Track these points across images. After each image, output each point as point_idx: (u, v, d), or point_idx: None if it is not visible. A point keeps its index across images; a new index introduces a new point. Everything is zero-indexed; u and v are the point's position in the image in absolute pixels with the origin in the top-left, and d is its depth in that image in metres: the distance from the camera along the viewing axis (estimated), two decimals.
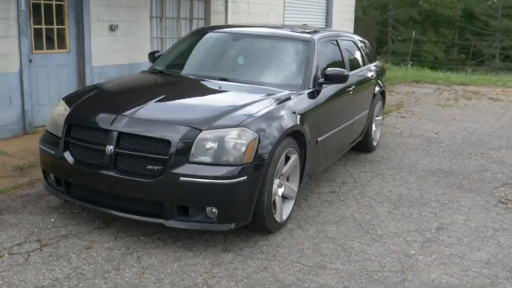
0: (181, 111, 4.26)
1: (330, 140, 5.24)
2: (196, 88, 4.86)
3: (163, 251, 3.89)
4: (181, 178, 3.71)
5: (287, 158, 4.37)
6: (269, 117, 4.12)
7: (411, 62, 20.50)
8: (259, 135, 3.90)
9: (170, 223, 3.82)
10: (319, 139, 4.93)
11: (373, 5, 44.18)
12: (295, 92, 4.75)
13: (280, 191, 4.37)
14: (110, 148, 3.87)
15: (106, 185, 3.95)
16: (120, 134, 3.89)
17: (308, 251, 4.03)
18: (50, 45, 7.36)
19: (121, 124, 3.92)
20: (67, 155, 4.11)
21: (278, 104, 4.39)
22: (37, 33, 7.12)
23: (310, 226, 4.52)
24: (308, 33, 5.55)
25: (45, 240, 3.93)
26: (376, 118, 7.21)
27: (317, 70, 5.06)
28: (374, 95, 6.74)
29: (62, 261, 3.65)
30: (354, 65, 6.26)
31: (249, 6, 11.60)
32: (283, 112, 4.30)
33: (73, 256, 3.73)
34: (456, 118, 9.94)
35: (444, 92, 13.51)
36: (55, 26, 7.36)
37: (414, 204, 5.19)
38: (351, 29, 16.52)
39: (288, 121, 4.27)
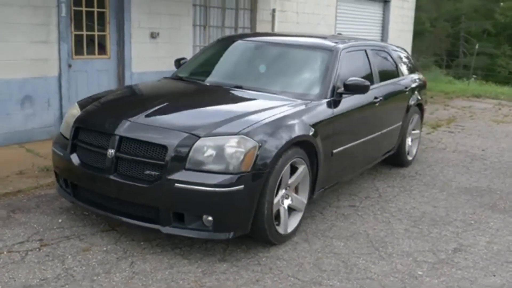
0: (185, 117, 4.24)
1: (349, 152, 5.06)
2: (208, 95, 4.84)
3: (159, 257, 3.87)
4: (177, 185, 3.68)
5: (294, 169, 4.26)
6: (273, 126, 4.03)
7: (474, 76, 19.68)
8: (259, 144, 3.81)
9: (167, 229, 3.79)
10: (334, 151, 4.77)
11: (442, 17, 42.87)
12: (309, 101, 4.63)
13: (286, 202, 4.26)
14: (111, 152, 3.91)
15: (107, 189, 3.99)
16: (121, 138, 3.92)
17: (307, 266, 3.88)
18: (91, 51, 7.59)
19: (123, 129, 3.95)
20: (74, 157, 4.18)
21: (287, 113, 4.29)
22: (78, 39, 7.36)
23: (318, 240, 4.37)
24: (334, 42, 5.40)
25: (47, 240, 4.01)
26: (413, 131, 6.93)
27: (336, 80, 4.91)
28: (409, 107, 6.47)
29: (56, 261, 3.70)
30: (384, 76, 6.05)
31: (298, 16, 11.52)
32: (290, 122, 4.19)
33: (69, 257, 3.77)
34: (509, 135, 9.41)
35: (503, 108, 12.86)
36: (96, 33, 7.59)
37: (437, 222, 4.92)
38: (409, 41, 16.08)
39: (294, 130, 4.15)
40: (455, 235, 4.64)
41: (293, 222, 4.35)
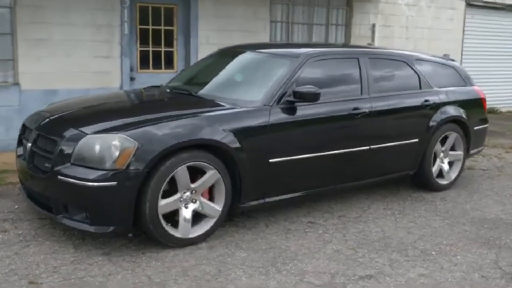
0: (95, 118, 4.41)
1: (303, 164, 4.75)
2: (148, 100, 5.06)
3: (56, 243, 4.20)
4: (59, 177, 3.96)
5: (203, 173, 4.22)
6: (164, 128, 4.07)
7: None
8: (138, 144, 3.90)
9: (58, 218, 4.09)
10: (272, 160, 4.55)
11: None
12: (242, 107, 4.53)
13: (192, 206, 4.23)
14: (29, 145, 4.36)
15: (26, 177, 4.45)
16: (38, 134, 4.36)
17: (176, 270, 3.83)
18: (158, 66, 8.28)
19: (40, 125, 4.39)
20: (18, 150, 4.75)
21: (199, 117, 4.30)
22: (144, 54, 8.11)
23: (223, 248, 4.23)
24: (305, 50, 5.14)
25: None
26: (450, 152, 6.11)
27: (286, 87, 4.69)
28: (433, 124, 5.74)
29: None
30: (391, 88, 5.54)
31: (407, 30, 10.85)
32: (193, 125, 4.19)
33: None
34: None
35: None
36: (162, 49, 8.27)
37: (386, 248, 4.36)
38: None
39: (191, 134, 4.13)
40: (387, 262, 4.07)
41: (202, 228, 4.29)
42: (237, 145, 4.32)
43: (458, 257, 4.28)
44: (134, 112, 4.59)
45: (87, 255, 4.00)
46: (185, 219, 4.19)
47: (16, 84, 7.22)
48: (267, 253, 4.18)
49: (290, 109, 4.69)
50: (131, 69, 7.97)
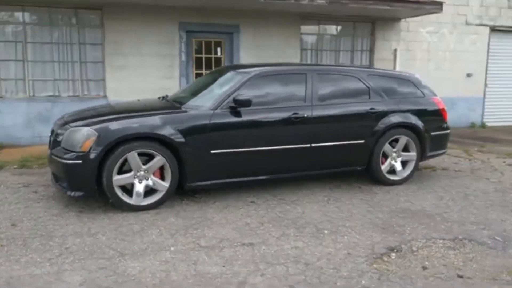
0: (85, 118, 4.58)
1: (241, 156, 4.64)
2: (137, 105, 5.18)
3: (58, 203, 4.60)
4: (53, 156, 4.37)
5: (151, 157, 4.36)
6: (120, 123, 4.26)
7: None
8: (98, 134, 4.16)
9: (56, 185, 4.46)
10: (213, 151, 4.52)
11: None
12: (193, 111, 4.58)
13: (145, 182, 4.38)
14: (52, 139, 4.72)
15: (49, 161, 4.78)
16: (52, 130, 4.77)
17: (114, 226, 3.99)
18: None
19: (57, 124, 4.80)
20: None
21: (154, 116, 4.42)
22: (199, 75, 8.40)
23: (165, 215, 4.27)
24: (259, 68, 5.02)
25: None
26: (403, 153, 5.50)
27: (230, 96, 4.64)
28: (377, 129, 5.21)
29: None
30: (337, 97, 5.17)
31: (429, 53, 9.83)
32: (146, 122, 4.33)
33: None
34: None
35: None
36: None
37: (288, 225, 4.10)
38: None
39: (143, 128, 4.26)
40: (278, 235, 3.84)
41: (152, 198, 4.41)
42: (181, 139, 4.38)
43: (345, 237, 3.88)
44: (112, 113, 4.69)
45: (66, 212, 4.33)
46: (137, 191, 4.35)
47: (105, 96, 7.95)
48: (191, 221, 4.16)
49: (232, 112, 4.62)
50: None
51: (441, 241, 3.86)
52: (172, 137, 4.35)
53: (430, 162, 6.67)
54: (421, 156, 5.62)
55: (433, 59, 9.89)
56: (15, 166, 6.09)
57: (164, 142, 4.35)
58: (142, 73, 8.02)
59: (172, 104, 4.99)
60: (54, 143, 4.47)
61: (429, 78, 9.76)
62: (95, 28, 7.82)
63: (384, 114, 5.32)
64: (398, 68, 9.37)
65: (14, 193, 4.91)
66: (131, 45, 7.91)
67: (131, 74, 7.98)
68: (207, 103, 4.69)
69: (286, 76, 5.04)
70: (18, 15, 7.50)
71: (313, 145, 4.97)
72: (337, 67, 5.41)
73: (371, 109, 5.27)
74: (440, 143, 5.80)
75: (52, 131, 4.73)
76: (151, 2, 7.63)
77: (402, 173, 5.53)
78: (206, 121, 4.52)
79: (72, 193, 4.27)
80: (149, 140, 4.32)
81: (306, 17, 8.80)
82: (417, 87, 5.72)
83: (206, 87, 5.27)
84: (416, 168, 5.64)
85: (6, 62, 7.53)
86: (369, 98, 5.34)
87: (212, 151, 4.54)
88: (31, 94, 7.70)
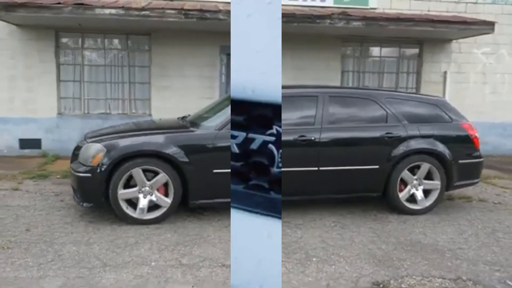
0: (103, 135, 4.81)
1: None
2: (154, 123, 5.40)
3: (75, 212, 4.88)
4: (71, 170, 4.66)
5: (157, 173, 4.48)
6: (130, 141, 4.46)
7: None
8: (107, 150, 4.38)
9: (73, 196, 4.75)
10: (215, 171, 4.54)
11: None
12: (199, 131, 4.67)
13: (149, 197, 4.51)
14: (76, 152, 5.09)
15: None
16: (77, 145, 5.08)
17: (111, 238, 4.13)
18: None
19: (80, 140, 5.13)
20: None
21: (161, 135, 4.56)
22: None
23: (163, 230, 4.35)
24: None
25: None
26: (425, 181, 5.09)
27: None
28: (394, 154, 4.90)
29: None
30: (346, 119, 4.96)
31: (485, 76, 9.06)
32: (152, 140, 4.49)
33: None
34: None
35: None
36: None
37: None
38: None
39: (148, 146, 4.41)
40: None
41: (155, 213, 4.51)
42: (185, 158, 4.47)
43: (333, 267, 3.65)
44: (127, 131, 4.89)
45: (77, 221, 4.58)
46: (141, 205, 4.49)
47: (150, 114, 8.37)
48: (185, 238, 4.16)
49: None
50: None
51: (439, 280, 3.49)
52: (175, 155, 4.45)
53: (467, 191, 6.11)
54: (447, 185, 5.17)
55: (489, 81, 9.10)
56: (58, 176, 6.60)
57: (168, 160, 4.46)
58: (184, 93, 8.33)
59: (183, 124, 5.12)
60: (73, 157, 4.78)
61: (485, 102, 9.02)
62: (143, 52, 8.31)
63: (403, 139, 4.98)
64: (448, 92, 8.76)
65: (44, 200, 5.31)
66: (175, 68, 8.27)
67: (174, 94, 8.32)
68: (214, 124, 4.75)
69: (296, 99, 4.95)
70: (78, 41, 8.22)
71: (320, 168, 4.80)
72: (353, 90, 5.22)
73: (387, 133, 4.97)
74: (470, 172, 5.29)
75: (76, 146, 5.07)
76: (194, 28, 7.94)
77: (424, 202, 5.11)
78: (210, 141, 4.57)
79: (84, 204, 4.53)
80: (154, 157, 4.46)
81: (347, 39, 8.60)
82: (444, 111, 5.30)
83: (223, 108, 5.33)
84: (440, 197, 5.18)
85: (66, 83, 8.25)
86: (386, 122, 5.05)
87: (215, 170, 4.56)
88: (86, 112, 8.33)
